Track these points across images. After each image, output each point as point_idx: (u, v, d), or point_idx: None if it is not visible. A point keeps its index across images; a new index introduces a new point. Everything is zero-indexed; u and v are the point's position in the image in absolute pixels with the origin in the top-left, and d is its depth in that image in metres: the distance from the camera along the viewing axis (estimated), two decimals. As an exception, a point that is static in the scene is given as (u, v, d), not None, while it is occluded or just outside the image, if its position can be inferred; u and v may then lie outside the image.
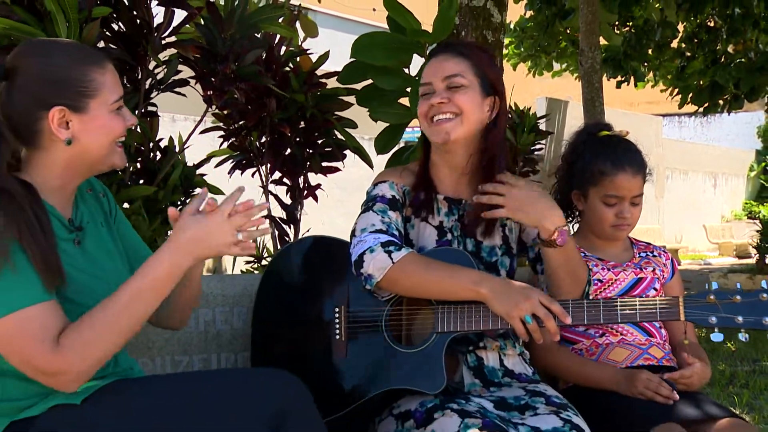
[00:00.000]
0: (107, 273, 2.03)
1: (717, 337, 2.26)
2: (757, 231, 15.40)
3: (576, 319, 2.28)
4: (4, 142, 1.86)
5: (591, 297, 2.58)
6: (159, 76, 3.24)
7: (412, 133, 3.81)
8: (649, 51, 11.45)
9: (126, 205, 3.15)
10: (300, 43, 3.96)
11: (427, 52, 3.34)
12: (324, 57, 3.80)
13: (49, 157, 1.95)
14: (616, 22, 10.73)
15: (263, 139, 3.84)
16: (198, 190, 3.70)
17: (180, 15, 3.19)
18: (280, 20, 3.55)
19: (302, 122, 3.80)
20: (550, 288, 2.43)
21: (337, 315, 2.46)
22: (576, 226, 2.91)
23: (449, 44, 2.60)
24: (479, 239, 2.53)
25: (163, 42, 3.11)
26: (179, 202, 3.60)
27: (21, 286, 1.78)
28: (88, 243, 2.04)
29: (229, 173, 4.01)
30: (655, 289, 2.76)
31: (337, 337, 2.45)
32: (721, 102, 11.15)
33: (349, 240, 2.48)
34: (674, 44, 11.56)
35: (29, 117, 1.90)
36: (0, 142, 1.86)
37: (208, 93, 3.50)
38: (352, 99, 3.66)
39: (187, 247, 1.87)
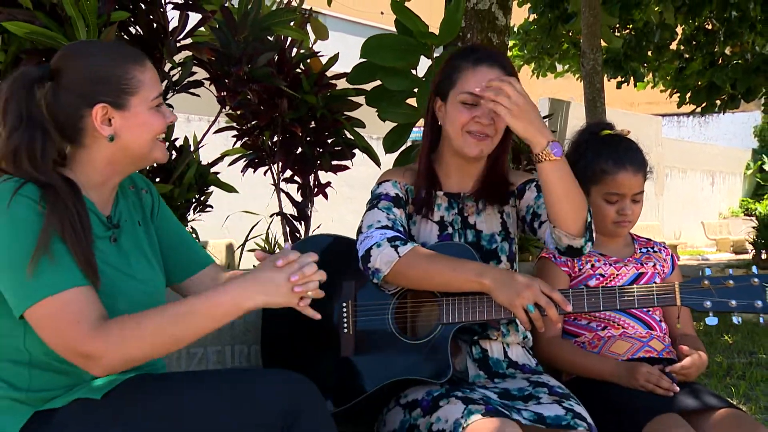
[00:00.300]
0: (138, 272, 2.03)
1: (711, 320, 2.25)
2: (754, 227, 15.39)
3: (576, 307, 2.28)
4: (49, 140, 1.87)
5: None
6: (174, 78, 3.24)
7: (418, 132, 3.81)
8: (649, 53, 11.40)
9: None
10: (311, 46, 3.96)
11: (435, 53, 3.34)
12: (334, 59, 3.80)
13: (92, 154, 1.96)
14: (617, 25, 10.70)
15: (275, 139, 3.84)
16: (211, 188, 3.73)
17: (195, 18, 3.19)
18: (292, 24, 3.55)
19: (313, 122, 3.80)
20: (552, 220, 2.32)
21: (345, 309, 2.47)
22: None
23: (499, 57, 2.49)
24: (479, 228, 2.54)
25: (179, 45, 3.11)
26: (194, 200, 3.61)
27: (59, 271, 1.79)
28: (124, 241, 2.04)
29: (242, 171, 4.01)
30: (656, 284, 2.75)
31: (345, 330, 2.45)
32: (718, 102, 11.12)
33: (355, 237, 2.49)
34: (673, 46, 11.51)
35: (74, 115, 1.91)
36: (46, 140, 1.87)
37: (222, 94, 3.51)
38: (361, 99, 3.66)
39: (255, 286, 1.86)
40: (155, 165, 3.38)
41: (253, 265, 2.02)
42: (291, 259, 1.87)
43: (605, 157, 2.71)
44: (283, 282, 1.85)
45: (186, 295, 2.14)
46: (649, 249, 2.87)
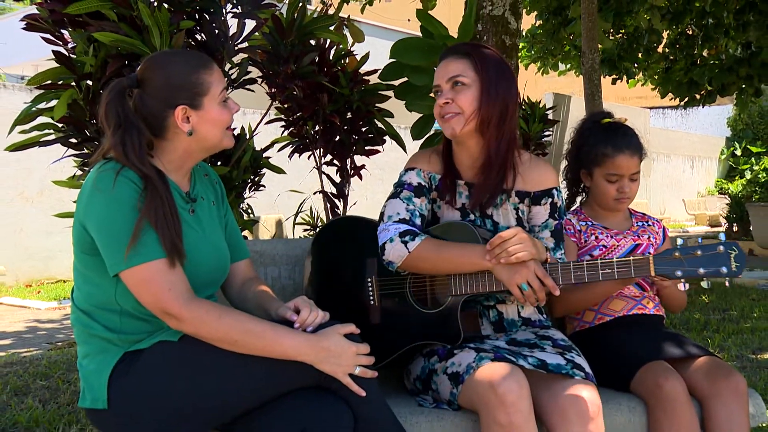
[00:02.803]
0: (211, 241, 2.09)
1: (682, 287, 2.25)
2: (727, 204, 15.27)
3: (565, 280, 2.20)
4: (142, 136, 1.94)
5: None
6: (233, 76, 3.24)
7: (439, 123, 3.81)
8: (639, 54, 11.28)
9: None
10: (349, 47, 3.95)
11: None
12: (365, 58, 3.80)
13: (173, 145, 2.02)
14: (611, 30, 10.56)
15: (317, 128, 3.84)
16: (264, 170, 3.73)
17: (250, 25, 3.18)
18: (332, 28, 3.53)
19: (349, 113, 3.79)
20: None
21: (370, 284, 2.42)
22: (583, 199, 2.87)
23: (454, 47, 2.40)
24: (496, 220, 2.41)
25: (236, 48, 3.11)
26: (249, 180, 3.61)
27: (151, 245, 1.86)
28: (200, 213, 2.10)
29: (289, 156, 4.02)
30: (633, 257, 2.69)
31: (371, 302, 2.41)
32: (697, 96, 10.99)
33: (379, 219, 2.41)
34: (660, 49, 11.37)
35: (159, 116, 1.98)
36: (140, 135, 1.93)
37: (272, 90, 3.51)
38: (390, 93, 3.64)
39: (316, 350, 1.90)
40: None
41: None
42: (346, 330, 1.97)
43: (605, 143, 2.65)
44: (349, 365, 1.91)
45: None
46: (644, 223, 2.81)
